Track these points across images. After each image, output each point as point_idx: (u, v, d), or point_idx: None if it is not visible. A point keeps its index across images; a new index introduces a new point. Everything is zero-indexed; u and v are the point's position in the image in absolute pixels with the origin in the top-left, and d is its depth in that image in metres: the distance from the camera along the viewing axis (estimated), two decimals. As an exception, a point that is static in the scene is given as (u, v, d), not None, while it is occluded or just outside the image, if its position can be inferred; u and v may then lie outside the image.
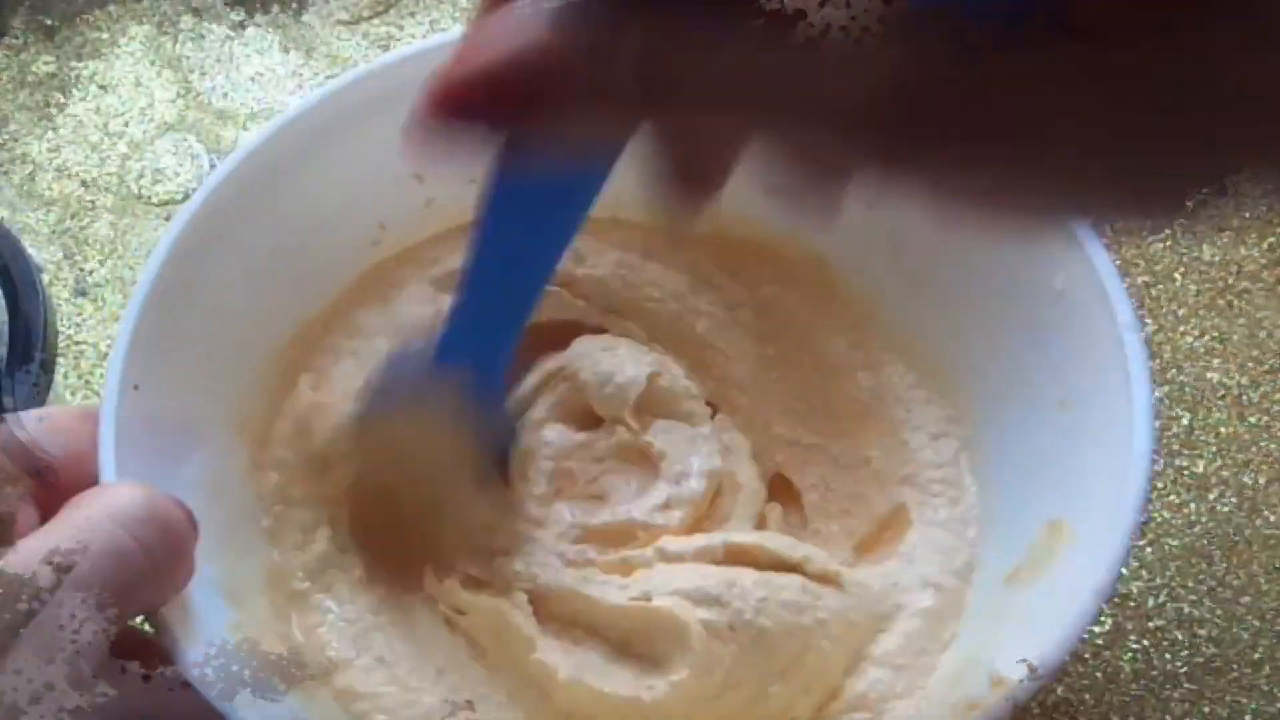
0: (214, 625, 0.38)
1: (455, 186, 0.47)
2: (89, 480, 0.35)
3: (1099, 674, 0.45)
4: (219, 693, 0.34)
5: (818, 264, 0.47)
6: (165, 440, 0.41)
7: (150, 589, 0.33)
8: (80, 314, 0.54)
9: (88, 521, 0.32)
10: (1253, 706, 0.44)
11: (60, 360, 0.50)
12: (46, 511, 0.34)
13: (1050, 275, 0.39)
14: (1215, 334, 0.52)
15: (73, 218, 0.58)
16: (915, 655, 0.39)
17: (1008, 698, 0.33)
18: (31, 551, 0.31)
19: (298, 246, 0.46)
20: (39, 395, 0.45)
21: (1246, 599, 0.46)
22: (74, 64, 0.64)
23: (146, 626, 0.40)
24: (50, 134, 0.61)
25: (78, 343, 0.53)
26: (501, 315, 0.41)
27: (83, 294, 0.55)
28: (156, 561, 0.33)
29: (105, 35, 0.65)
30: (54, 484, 0.35)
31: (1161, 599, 0.46)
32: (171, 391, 0.42)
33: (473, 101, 0.26)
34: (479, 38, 0.26)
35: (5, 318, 0.47)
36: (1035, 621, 0.36)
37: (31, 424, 0.36)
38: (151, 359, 0.41)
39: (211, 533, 0.39)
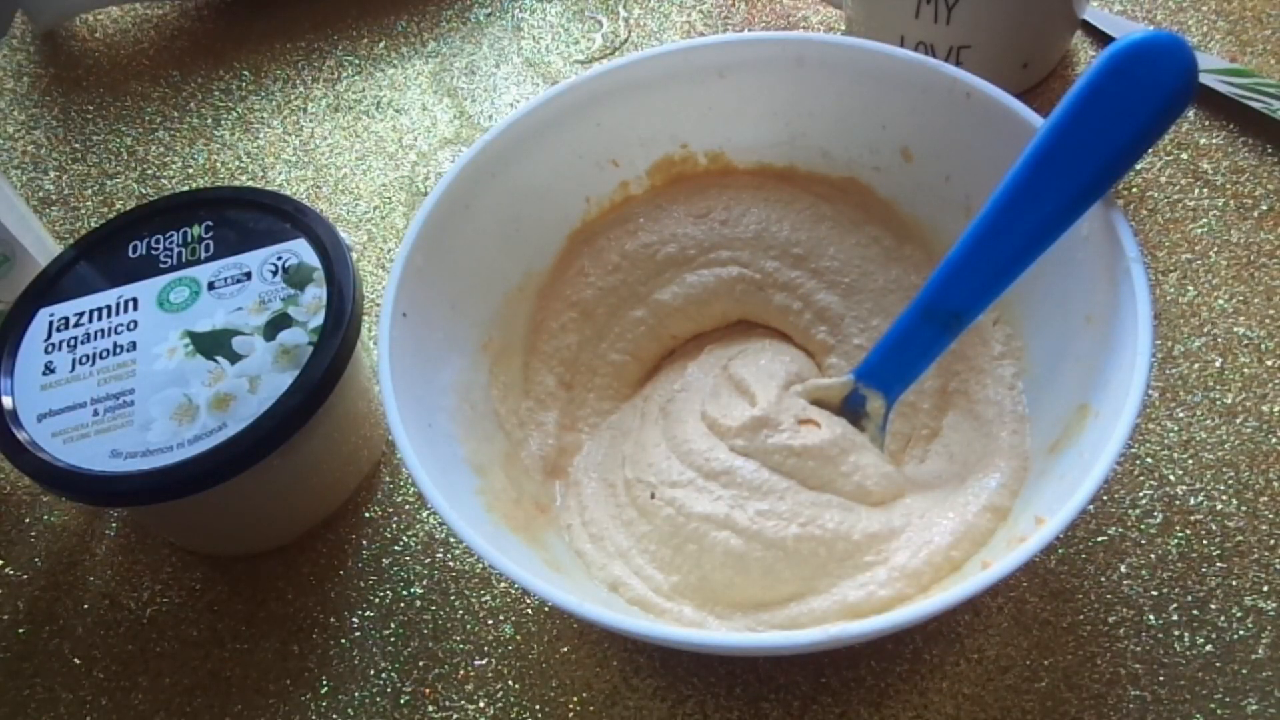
0: (464, 489, 0.41)
1: (638, 167, 0.51)
2: None
3: (1099, 673, 0.44)
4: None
5: (906, 219, 0.49)
6: (427, 354, 0.43)
7: None
8: (381, 283, 0.59)
9: None
10: (1253, 706, 0.42)
11: (365, 317, 0.53)
12: None
13: (1080, 225, 0.40)
14: (1240, 298, 0.53)
15: (375, 210, 0.63)
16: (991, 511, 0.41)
17: (1046, 533, 0.35)
18: None
19: (524, 212, 0.48)
20: (348, 345, 0.47)
21: (1248, 599, 0.45)
22: (376, 93, 0.70)
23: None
24: (358, 146, 0.66)
25: (378, 304, 0.54)
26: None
27: (382, 267, 0.60)
28: None
29: (399, 72, 0.71)
30: None
31: (1165, 590, 0.45)
32: (430, 318, 0.44)
33: None
34: None
35: (325, 287, 0.49)
36: (1067, 478, 0.37)
37: None
38: (414, 295, 0.43)
39: (462, 422, 0.44)
